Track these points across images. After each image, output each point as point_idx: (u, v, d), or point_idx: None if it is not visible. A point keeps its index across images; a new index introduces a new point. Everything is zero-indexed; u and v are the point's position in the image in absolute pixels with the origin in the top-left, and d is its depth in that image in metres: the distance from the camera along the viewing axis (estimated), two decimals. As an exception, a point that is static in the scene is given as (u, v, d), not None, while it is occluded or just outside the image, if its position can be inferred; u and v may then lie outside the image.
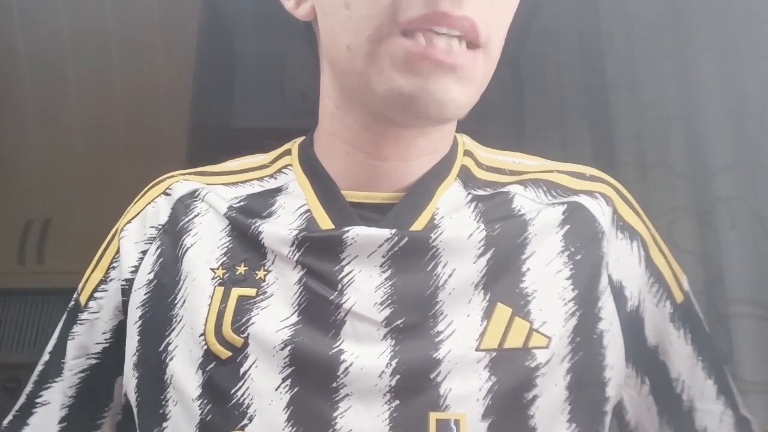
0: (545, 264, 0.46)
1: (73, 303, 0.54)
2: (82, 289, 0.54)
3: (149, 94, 1.69)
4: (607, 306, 0.47)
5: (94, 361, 0.52)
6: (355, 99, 0.47)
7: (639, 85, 1.37)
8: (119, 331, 0.51)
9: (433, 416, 0.41)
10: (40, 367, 0.54)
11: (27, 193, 1.66)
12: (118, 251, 0.52)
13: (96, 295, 0.52)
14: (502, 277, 0.45)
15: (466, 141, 0.55)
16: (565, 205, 0.49)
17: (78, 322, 0.53)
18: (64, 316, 0.55)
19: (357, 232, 0.45)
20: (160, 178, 0.56)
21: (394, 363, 0.42)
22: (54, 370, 0.53)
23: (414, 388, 0.41)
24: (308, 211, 0.49)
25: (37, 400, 0.52)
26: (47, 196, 1.65)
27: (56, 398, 0.52)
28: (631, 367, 0.48)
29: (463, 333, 0.43)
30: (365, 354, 0.42)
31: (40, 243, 1.62)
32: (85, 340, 0.52)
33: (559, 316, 0.45)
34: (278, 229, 0.47)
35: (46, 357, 0.54)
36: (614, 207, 0.50)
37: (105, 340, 0.52)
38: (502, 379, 0.42)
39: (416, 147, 0.49)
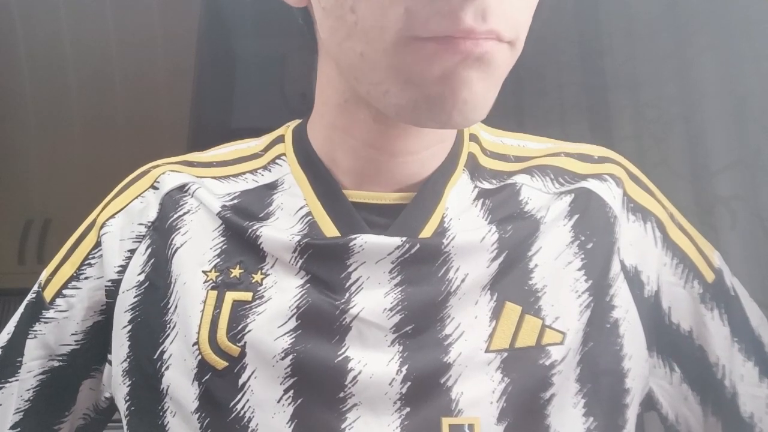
0: (554, 257, 0.44)
1: (33, 297, 0.49)
2: (47, 283, 0.49)
3: (149, 94, 1.69)
4: (620, 293, 0.44)
5: (57, 363, 0.48)
6: (365, 100, 0.43)
7: (639, 85, 1.37)
8: (92, 334, 0.48)
9: (446, 422, 0.39)
10: None
11: (27, 193, 1.66)
12: (96, 247, 0.48)
13: (66, 292, 0.48)
14: (510, 276, 0.43)
15: None
16: (573, 194, 0.46)
17: (41, 320, 0.48)
18: (21, 311, 0.50)
19: (365, 240, 0.43)
20: (144, 168, 0.51)
21: (404, 369, 0.40)
22: (8, 369, 0.47)
23: (425, 394, 0.40)
24: (309, 213, 0.46)
25: None
26: (47, 196, 1.65)
27: (9, 401, 0.47)
28: (656, 356, 0.46)
29: (472, 335, 0.41)
30: (373, 361, 0.40)
31: (40, 243, 1.62)
32: (49, 340, 0.47)
33: (573, 309, 0.43)
34: (278, 234, 0.44)
35: None
36: (624, 188, 0.48)
37: (75, 342, 0.48)
38: (516, 379, 0.40)
39: (426, 138, 0.46)
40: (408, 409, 0.39)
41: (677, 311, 0.46)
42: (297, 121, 0.53)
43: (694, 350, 0.46)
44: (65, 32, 1.70)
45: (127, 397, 0.45)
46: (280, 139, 0.52)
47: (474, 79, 0.36)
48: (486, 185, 0.48)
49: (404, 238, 0.43)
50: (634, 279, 0.45)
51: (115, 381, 0.46)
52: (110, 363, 0.48)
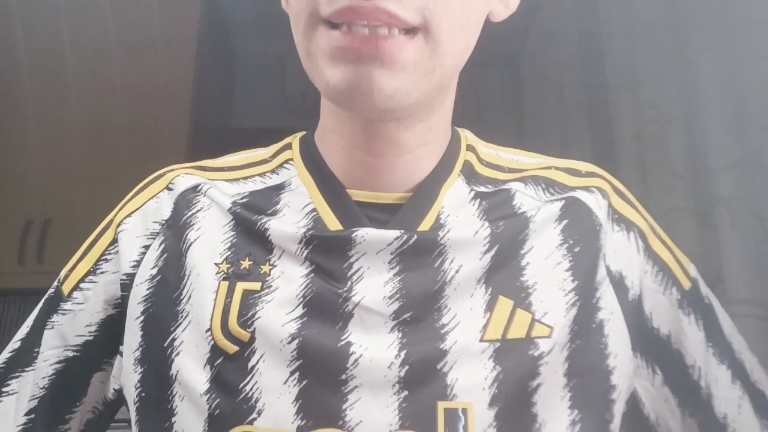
0: (545, 257, 0.47)
1: (52, 291, 0.52)
2: (66, 278, 0.52)
3: (149, 94, 1.69)
4: (606, 296, 0.47)
5: (71, 354, 0.50)
6: None
7: (639, 85, 1.37)
8: (106, 326, 0.50)
9: (441, 405, 0.41)
10: (7, 355, 0.52)
11: (27, 193, 1.66)
12: (113, 243, 0.51)
13: (82, 285, 0.51)
14: (503, 272, 0.46)
15: (468, 136, 0.56)
16: (563, 201, 0.50)
17: (59, 311, 0.51)
18: (40, 305, 0.53)
19: (366, 232, 0.46)
20: (160, 172, 0.55)
21: (402, 354, 0.43)
22: (26, 359, 0.51)
23: (422, 378, 0.42)
24: (314, 210, 0.49)
25: (4, 389, 0.50)
26: (47, 196, 1.65)
27: (26, 389, 0.50)
28: (639, 357, 0.49)
29: (467, 325, 0.44)
30: (374, 346, 0.43)
31: (40, 243, 1.62)
32: (65, 330, 0.50)
33: (560, 306, 0.46)
34: (285, 226, 0.47)
35: (16, 345, 0.52)
36: (609, 200, 0.51)
37: (89, 333, 0.50)
38: (507, 368, 0.43)
39: (403, 141, 0.49)
40: (406, 392, 0.42)
41: (658, 316, 0.49)
42: (303, 132, 0.57)
43: (673, 353, 0.49)
44: (65, 32, 1.70)
45: (138, 384, 0.47)
46: (288, 147, 0.56)
47: (375, 74, 0.41)
48: (482, 188, 0.52)
49: (402, 231, 0.46)
50: (619, 283, 0.49)
51: (126, 370, 0.49)
52: (121, 354, 0.50)
